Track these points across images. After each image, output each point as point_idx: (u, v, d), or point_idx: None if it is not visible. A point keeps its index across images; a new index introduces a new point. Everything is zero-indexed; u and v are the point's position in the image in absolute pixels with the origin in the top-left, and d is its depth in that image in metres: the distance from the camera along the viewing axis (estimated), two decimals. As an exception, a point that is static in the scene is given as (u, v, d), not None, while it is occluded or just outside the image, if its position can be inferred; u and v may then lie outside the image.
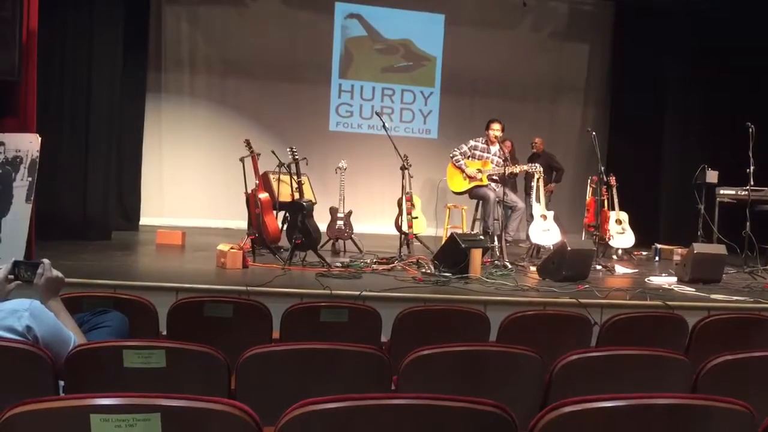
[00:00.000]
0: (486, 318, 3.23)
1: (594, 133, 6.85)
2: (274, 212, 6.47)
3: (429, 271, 5.49)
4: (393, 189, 7.44)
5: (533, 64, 9.92)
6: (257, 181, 6.50)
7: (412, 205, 7.05)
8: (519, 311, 3.23)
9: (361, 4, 9.67)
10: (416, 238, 7.07)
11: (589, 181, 7.98)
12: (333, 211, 6.96)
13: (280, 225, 6.47)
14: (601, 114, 10.16)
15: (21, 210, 4.54)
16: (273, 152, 6.47)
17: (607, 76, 10.12)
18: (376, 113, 8.53)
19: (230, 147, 7.95)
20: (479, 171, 6.80)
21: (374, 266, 5.69)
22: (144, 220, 8.50)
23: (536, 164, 6.97)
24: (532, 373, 2.28)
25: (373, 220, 8.97)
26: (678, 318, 3.35)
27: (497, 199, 6.70)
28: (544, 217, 6.95)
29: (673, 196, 8.91)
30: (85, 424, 1.47)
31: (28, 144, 4.60)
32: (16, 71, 4.57)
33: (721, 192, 7.12)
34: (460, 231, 7.19)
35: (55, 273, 2.44)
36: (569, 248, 5.37)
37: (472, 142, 6.97)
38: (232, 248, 5.28)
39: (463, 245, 5.45)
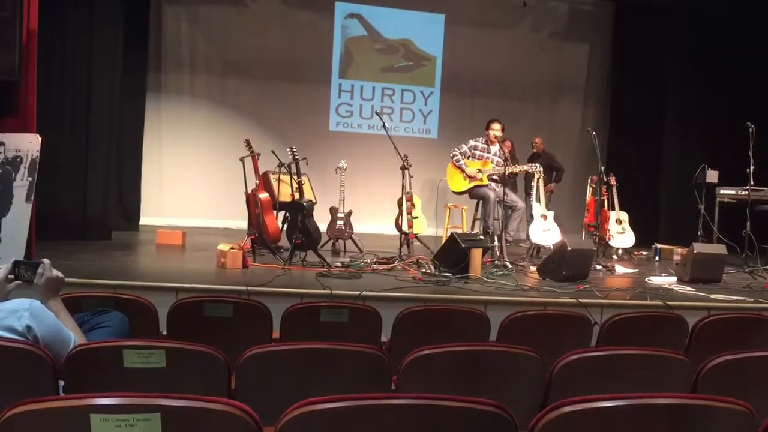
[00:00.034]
0: (486, 318, 3.23)
1: (594, 133, 6.85)
2: (274, 212, 6.47)
3: (429, 271, 5.49)
4: (393, 189, 7.44)
5: (533, 64, 9.92)
6: (257, 181, 6.50)
7: (413, 205, 7.05)
8: (519, 311, 3.23)
9: (361, 3, 9.67)
10: (416, 238, 7.07)
11: (589, 181, 7.98)
12: (333, 211, 6.97)
13: (280, 225, 6.47)
14: (601, 114, 10.16)
15: (21, 210, 4.54)
16: (273, 152, 6.47)
17: (607, 76, 10.12)
18: (376, 113, 8.53)
19: (230, 147, 7.95)
20: (479, 171, 6.80)
21: (374, 266, 5.69)
22: (144, 220, 8.51)
23: (536, 164, 6.98)
24: (532, 373, 2.28)
25: (373, 220, 8.97)
26: (678, 318, 3.35)
27: (497, 199, 6.70)
28: (544, 217, 6.95)
29: (673, 196, 8.91)
30: (85, 424, 1.47)
31: (28, 144, 4.60)
32: (16, 71, 4.57)
33: (721, 192, 7.12)
34: (460, 231, 7.19)
35: (55, 273, 2.44)
36: (569, 248, 5.37)
37: (472, 142, 6.97)
38: (232, 248, 5.28)
39: (463, 245, 5.45)
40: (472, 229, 7.18)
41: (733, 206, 7.05)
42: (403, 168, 6.66)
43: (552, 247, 6.14)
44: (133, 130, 8.30)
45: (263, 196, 6.35)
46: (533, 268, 5.93)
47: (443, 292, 4.72)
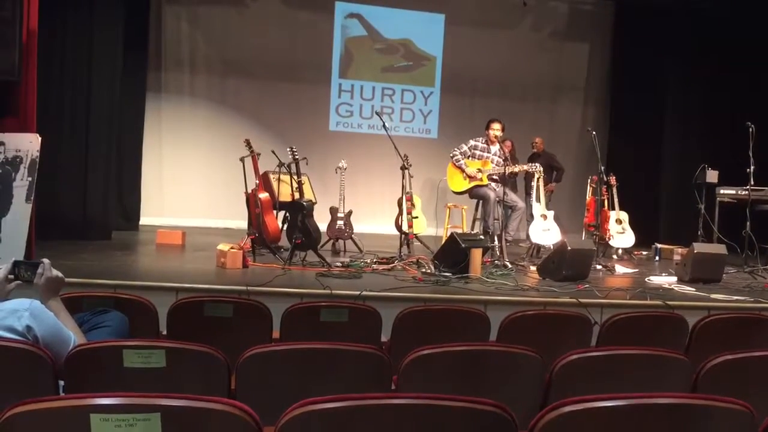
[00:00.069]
0: (486, 318, 3.23)
1: (594, 132, 6.85)
2: (274, 212, 6.47)
3: (429, 270, 5.48)
4: (393, 189, 7.44)
5: (533, 64, 9.92)
6: (257, 181, 6.50)
7: (413, 204, 7.05)
8: (519, 311, 3.23)
9: (361, 3, 9.67)
10: (416, 237, 7.07)
11: (589, 180, 7.98)
12: (333, 210, 6.96)
13: (280, 225, 6.47)
14: (601, 114, 10.16)
15: (21, 210, 4.54)
16: (273, 152, 6.47)
17: (607, 75, 10.12)
18: (376, 113, 8.53)
19: (230, 147, 7.95)
20: (479, 171, 6.80)
21: (374, 266, 5.69)
22: (144, 220, 8.50)
23: (536, 164, 6.98)
24: (532, 372, 2.28)
25: (373, 219, 8.97)
26: (678, 318, 3.35)
27: (497, 199, 6.70)
28: (544, 216, 6.95)
29: (673, 196, 8.91)
30: (85, 424, 1.47)
31: (28, 144, 4.60)
32: (16, 71, 4.57)
33: (722, 192, 7.12)
34: (460, 231, 7.19)
35: (55, 273, 2.44)
36: (569, 248, 5.37)
37: (472, 142, 6.97)
38: (232, 248, 5.28)
39: (463, 245, 5.45)
40: (472, 229, 7.18)
41: (733, 206, 7.05)
42: (403, 168, 6.65)
43: (552, 247, 6.14)
44: (133, 130, 8.30)
45: (263, 196, 6.35)
46: (533, 268, 5.93)
47: (443, 292, 4.72)
